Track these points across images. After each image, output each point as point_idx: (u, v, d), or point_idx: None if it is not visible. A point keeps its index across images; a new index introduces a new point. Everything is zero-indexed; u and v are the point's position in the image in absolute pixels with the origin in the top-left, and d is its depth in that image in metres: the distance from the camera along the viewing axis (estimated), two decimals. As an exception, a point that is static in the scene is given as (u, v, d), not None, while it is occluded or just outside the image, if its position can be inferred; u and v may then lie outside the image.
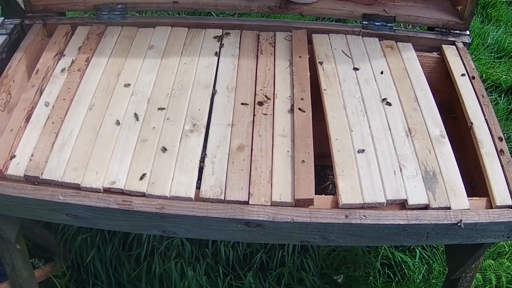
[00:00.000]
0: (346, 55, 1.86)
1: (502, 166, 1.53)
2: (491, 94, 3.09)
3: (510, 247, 2.38)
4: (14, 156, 1.52)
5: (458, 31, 1.97)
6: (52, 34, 1.94)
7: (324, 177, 2.43)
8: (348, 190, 1.42)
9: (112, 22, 1.96)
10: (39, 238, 2.21)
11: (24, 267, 1.90)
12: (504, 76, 3.20)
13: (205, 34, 1.92)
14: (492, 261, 2.32)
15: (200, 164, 1.48)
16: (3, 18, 2.02)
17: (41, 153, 1.52)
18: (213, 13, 2.74)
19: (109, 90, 1.70)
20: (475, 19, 3.58)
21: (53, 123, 1.60)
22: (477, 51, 3.33)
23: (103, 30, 1.93)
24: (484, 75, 3.17)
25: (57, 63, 1.81)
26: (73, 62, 1.79)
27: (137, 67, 1.78)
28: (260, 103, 1.67)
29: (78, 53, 1.83)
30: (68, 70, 1.77)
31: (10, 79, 1.75)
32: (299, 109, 1.63)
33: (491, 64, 3.29)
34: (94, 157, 1.50)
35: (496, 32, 3.47)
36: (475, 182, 1.60)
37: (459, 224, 1.37)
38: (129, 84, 1.72)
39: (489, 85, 3.14)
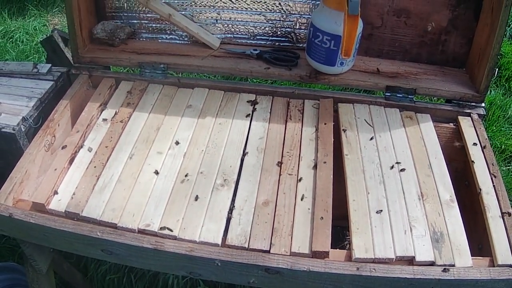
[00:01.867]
0: (368, 124, 2.04)
1: (506, 228, 1.68)
2: (509, 164, 3.24)
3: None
4: (57, 193, 1.72)
5: (474, 104, 2.15)
6: (96, 85, 2.16)
7: (342, 237, 2.58)
8: (361, 246, 1.58)
9: (154, 80, 2.18)
10: (67, 274, 2.38)
11: (50, 299, 2.07)
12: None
13: (240, 97, 2.13)
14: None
15: (228, 215, 1.66)
16: (50, 65, 2.26)
17: (83, 193, 1.71)
18: (248, 79, 2.96)
19: (148, 142, 1.91)
20: (497, 91, 3.76)
21: (95, 167, 1.80)
22: (497, 123, 3.50)
23: (145, 87, 2.15)
24: (503, 146, 3.33)
25: (101, 113, 2.02)
26: (116, 113, 2.01)
27: (176, 123, 1.99)
28: (286, 164, 1.85)
29: (121, 106, 2.05)
30: (111, 120, 1.98)
31: (55, 122, 1.97)
32: (321, 171, 1.81)
33: (511, 135, 3.45)
34: (132, 201, 1.69)
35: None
36: (482, 245, 1.74)
37: (445, 270, 1.53)
38: (167, 139, 1.92)
39: (507, 155, 3.29)
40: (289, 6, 2.22)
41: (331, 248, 1.59)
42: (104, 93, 2.10)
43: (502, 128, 3.47)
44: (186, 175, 1.78)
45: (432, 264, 1.57)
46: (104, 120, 1.99)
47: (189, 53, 2.25)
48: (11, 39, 4.22)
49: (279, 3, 2.21)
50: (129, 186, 1.74)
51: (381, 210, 1.70)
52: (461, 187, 1.96)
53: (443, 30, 2.19)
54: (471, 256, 1.60)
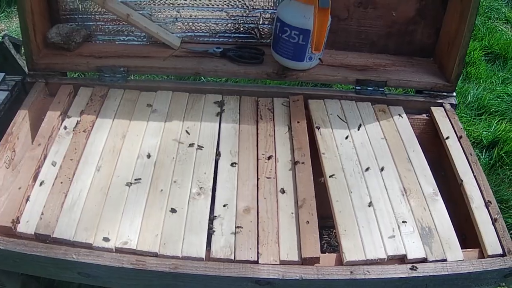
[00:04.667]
0: (342, 119, 2.00)
1: (491, 218, 1.68)
2: (472, 150, 3.26)
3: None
4: (24, 214, 1.60)
5: (445, 93, 2.13)
6: (53, 93, 2.04)
7: (320, 237, 2.53)
8: (351, 248, 1.54)
9: (114, 84, 2.07)
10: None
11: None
12: (485, 133, 3.37)
13: (206, 99, 2.05)
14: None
15: (209, 226, 1.58)
16: (4, 74, 2.12)
17: (51, 212, 1.60)
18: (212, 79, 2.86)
19: (115, 152, 1.81)
20: (455, 78, 3.79)
21: (61, 183, 1.69)
22: (457, 109, 3.51)
23: (106, 92, 2.04)
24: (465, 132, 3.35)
25: (62, 123, 1.91)
26: (78, 122, 1.90)
27: (142, 130, 1.89)
28: (263, 167, 1.78)
29: (82, 114, 1.93)
30: (73, 130, 1.87)
31: (14, 136, 1.85)
32: (300, 172, 1.76)
33: (472, 121, 3.47)
34: (105, 217, 1.59)
35: (476, 90, 3.67)
36: (466, 235, 1.73)
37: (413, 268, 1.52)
38: (135, 147, 1.83)
39: (470, 141, 3.30)
40: (252, 1, 2.14)
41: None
42: (63, 101, 1.99)
43: (463, 115, 3.49)
44: (158, 185, 1.70)
45: (424, 260, 1.55)
46: (66, 130, 1.88)
47: (149, 54, 2.15)
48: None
49: (242, -2, 2.14)
50: (100, 202, 1.64)
51: (370, 202, 1.68)
52: (438, 178, 1.93)
53: (410, 20, 2.17)
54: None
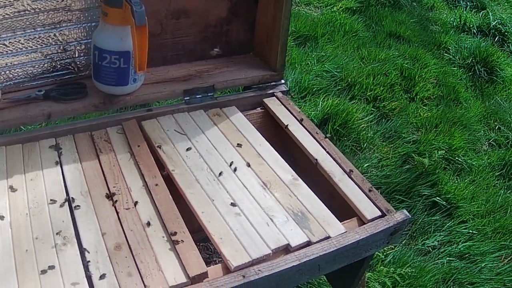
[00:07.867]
0: (180, 133, 2.10)
1: (358, 186, 1.90)
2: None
3: (383, 253, 2.78)
4: None
5: (274, 83, 2.32)
6: None
7: (204, 251, 2.66)
8: (234, 254, 1.64)
9: None
10: None
11: None
12: (314, 112, 3.67)
13: (40, 145, 2.04)
14: (370, 273, 2.69)
15: (86, 273, 1.60)
16: None
17: None
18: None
19: (-34, 224, 1.75)
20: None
21: None
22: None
23: None
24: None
25: None
26: None
27: (-14, 195, 1.85)
28: (118, 200, 1.83)
29: None
30: None
31: None
32: (158, 194, 1.84)
33: (298, 105, 3.74)
34: (-23, 293, 1.55)
35: (294, 75, 3.96)
36: (336, 210, 1.88)
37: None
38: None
39: (304, 123, 3.59)
40: (65, 35, 2.16)
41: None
42: None
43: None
44: (22, 246, 1.68)
45: (308, 243, 1.70)
46: None
47: (-27, 113, 2.09)
48: None
49: (54, 34, 2.14)
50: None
51: (235, 204, 1.81)
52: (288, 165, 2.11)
53: (224, 20, 2.33)
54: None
